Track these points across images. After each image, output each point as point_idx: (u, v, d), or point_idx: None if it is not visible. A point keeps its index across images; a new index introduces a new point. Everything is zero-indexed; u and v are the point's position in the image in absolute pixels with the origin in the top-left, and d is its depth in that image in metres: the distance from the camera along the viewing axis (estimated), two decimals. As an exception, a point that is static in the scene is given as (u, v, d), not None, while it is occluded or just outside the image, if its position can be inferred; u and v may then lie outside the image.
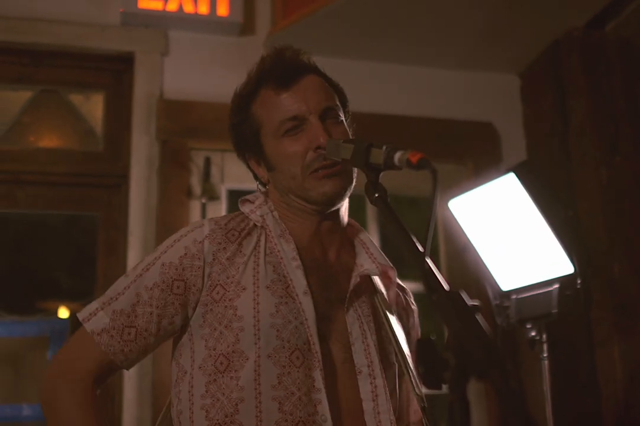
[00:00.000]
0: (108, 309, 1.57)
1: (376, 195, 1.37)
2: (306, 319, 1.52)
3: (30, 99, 3.60)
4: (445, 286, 1.16)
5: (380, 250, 1.70)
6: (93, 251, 3.52)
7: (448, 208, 3.20)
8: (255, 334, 1.49)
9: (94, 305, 1.59)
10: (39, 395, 1.57)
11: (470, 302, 1.13)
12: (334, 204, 1.64)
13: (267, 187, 1.73)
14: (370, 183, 1.39)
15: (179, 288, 1.55)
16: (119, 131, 3.61)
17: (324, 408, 1.48)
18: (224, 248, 1.58)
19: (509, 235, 3.01)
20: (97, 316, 1.56)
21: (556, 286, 2.88)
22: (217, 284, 1.54)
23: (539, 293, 2.97)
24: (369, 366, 1.56)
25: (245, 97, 1.70)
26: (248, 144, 1.70)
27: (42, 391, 1.57)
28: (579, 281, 2.83)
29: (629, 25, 3.54)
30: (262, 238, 1.62)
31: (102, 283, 3.45)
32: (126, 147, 3.54)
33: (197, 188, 3.49)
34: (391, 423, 1.53)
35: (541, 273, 2.95)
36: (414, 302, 1.84)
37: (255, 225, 1.65)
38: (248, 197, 1.73)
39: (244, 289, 1.53)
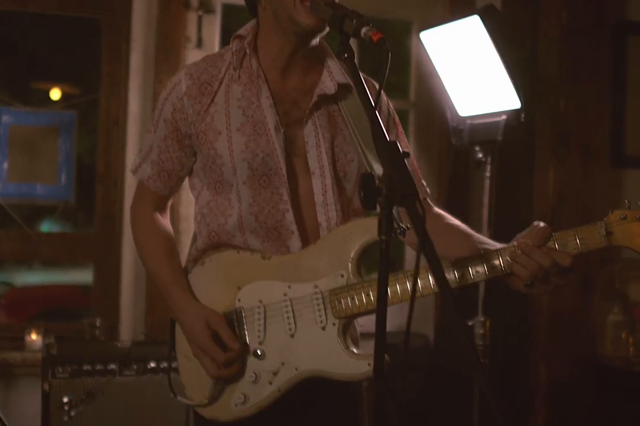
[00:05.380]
0: (147, 161, 2.06)
1: (345, 55, 1.70)
2: (275, 149, 1.93)
3: None
4: (387, 137, 1.58)
5: (342, 69, 1.98)
6: (97, 54, 3.87)
7: (419, 38, 3.55)
8: (232, 167, 1.92)
9: (136, 159, 2.09)
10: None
11: (402, 150, 1.56)
12: (315, 36, 1.93)
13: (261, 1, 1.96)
14: (342, 44, 1.71)
15: (178, 135, 1.98)
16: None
17: (290, 215, 1.93)
18: (199, 102, 1.94)
19: (470, 68, 3.39)
20: (142, 167, 2.07)
21: (504, 117, 3.32)
22: (199, 132, 1.94)
23: (489, 121, 3.42)
24: (320, 168, 1.93)
25: None
26: None
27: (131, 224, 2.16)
28: (523, 115, 3.27)
29: None
30: (233, 83, 1.96)
31: (107, 84, 3.86)
32: (131, -43, 3.78)
33: (195, 0, 3.79)
34: (336, 212, 1.93)
35: (493, 105, 3.38)
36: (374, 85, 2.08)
37: (227, 71, 1.98)
38: (240, 32, 1.98)
39: (219, 133, 1.92)
